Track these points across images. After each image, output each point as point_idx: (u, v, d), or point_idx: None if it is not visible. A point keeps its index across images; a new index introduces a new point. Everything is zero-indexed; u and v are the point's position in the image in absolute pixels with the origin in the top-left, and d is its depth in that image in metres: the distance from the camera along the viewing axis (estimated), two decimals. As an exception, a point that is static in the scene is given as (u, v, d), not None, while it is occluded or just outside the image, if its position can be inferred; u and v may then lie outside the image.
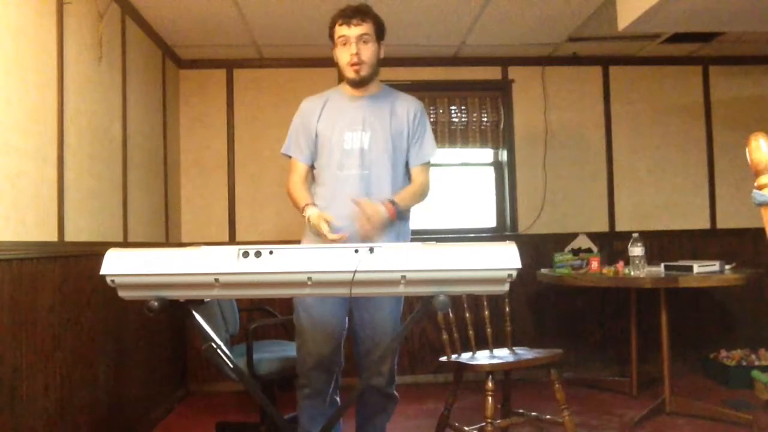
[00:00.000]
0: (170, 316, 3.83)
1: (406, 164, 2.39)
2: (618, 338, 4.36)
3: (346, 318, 2.35)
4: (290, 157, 2.42)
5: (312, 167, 2.41)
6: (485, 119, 4.50)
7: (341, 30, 2.27)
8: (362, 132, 2.30)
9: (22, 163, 2.20)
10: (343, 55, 2.29)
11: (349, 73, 2.29)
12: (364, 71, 2.28)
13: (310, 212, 2.20)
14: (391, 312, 2.32)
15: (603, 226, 4.51)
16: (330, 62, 4.33)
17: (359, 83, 2.31)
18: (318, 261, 1.51)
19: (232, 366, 1.86)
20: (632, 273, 3.40)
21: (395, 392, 2.41)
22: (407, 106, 2.39)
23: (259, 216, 4.35)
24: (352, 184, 2.27)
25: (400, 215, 2.26)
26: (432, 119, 4.45)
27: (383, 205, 2.16)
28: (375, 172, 2.29)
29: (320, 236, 2.16)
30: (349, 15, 2.25)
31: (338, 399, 2.42)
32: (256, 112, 4.39)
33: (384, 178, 2.29)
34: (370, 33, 2.27)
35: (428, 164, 2.42)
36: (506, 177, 4.55)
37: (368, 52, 2.27)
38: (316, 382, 2.29)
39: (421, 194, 2.38)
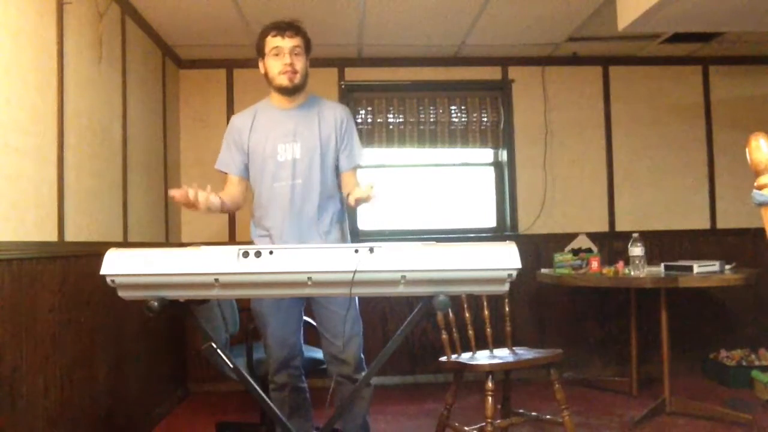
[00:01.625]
0: (170, 316, 3.83)
1: (336, 168, 2.46)
2: (618, 338, 4.36)
3: (302, 316, 2.51)
4: (225, 173, 2.53)
5: (247, 180, 2.51)
6: (485, 119, 4.50)
7: (275, 41, 2.34)
8: (293, 143, 2.38)
9: (22, 163, 2.20)
10: (276, 65, 2.35)
11: (282, 81, 2.35)
12: (298, 80, 2.35)
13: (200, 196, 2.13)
14: (342, 301, 2.36)
15: (603, 226, 4.51)
16: (329, 62, 4.39)
17: (292, 91, 2.38)
18: (318, 261, 1.51)
19: (232, 366, 1.86)
20: (632, 273, 3.40)
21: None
22: (334, 113, 2.46)
23: (259, 216, 4.34)
24: (283, 194, 2.38)
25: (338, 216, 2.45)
26: (432, 119, 4.46)
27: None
28: (305, 181, 2.38)
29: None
30: (283, 27, 2.34)
31: (305, 386, 2.56)
32: (256, 112, 4.38)
33: (313, 187, 2.39)
34: (302, 46, 2.36)
35: (357, 168, 2.51)
36: (506, 177, 4.55)
37: (300, 63, 2.36)
38: (279, 378, 2.47)
39: None
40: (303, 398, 2.53)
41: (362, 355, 2.46)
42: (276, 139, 2.39)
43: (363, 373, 2.42)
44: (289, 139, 2.39)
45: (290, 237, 2.38)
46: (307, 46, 2.41)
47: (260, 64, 2.43)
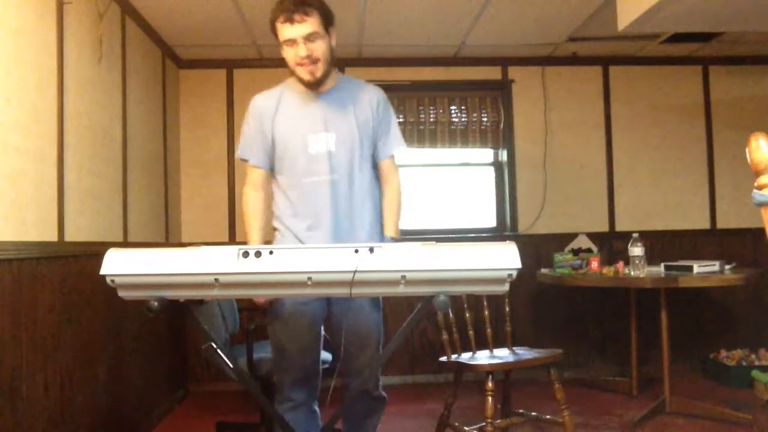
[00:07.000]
0: (170, 316, 3.83)
1: (374, 156, 2.23)
2: (618, 338, 4.36)
3: (322, 325, 2.24)
4: (247, 161, 2.20)
5: (271, 172, 2.21)
6: (485, 119, 4.50)
7: (285, 30, 2.00)
8: (326, 133, 2.10)
9: (22, 163, 2.20)
10: (291, 57, 2.04)
11: (302, 75, 2.06)
12: (320, 71, 2.05)
13: None
14: (371, 314, 2.19)
15: (603, 226, 4.51)
16: (330, 62, 4.37)
17: (315, 85, 2.09)
18: (318, 261, 1.51)
19: (232, 366, 1.86)
20: (632, 273, 3.40)
21: (383, 393, 2.28)
22: (369, 96, 2.19)
23: (259, 216, 4.34)
24: (321, 191, 2.10)
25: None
26: (432, 119, 4.46)
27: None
28: (344, 175, 2.12)
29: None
30: (290, 10, 1.97)
31: (317, 408, 2.25)
32: (256, 112, 4.38)
33: (355, 182, 2.14)
34: (318, 29, 2.00)
35: (393, 157, 2.26)
36: (506, 177, 4.55)
37: (320, 49, 2.02)
38: (298, 396, 2.15)
39: (399, 201, 2.27)
40: (315, 425, 2.20)
41: (380, 368, 2.29)
42: (305, 129, 2.10)
43: (381, 388, 2.25)
44: (320, 129, 2.10)
45: (330, 238, 2.09)
46: (326, 21, 2.03)
47: (280, 51, 2.09)
